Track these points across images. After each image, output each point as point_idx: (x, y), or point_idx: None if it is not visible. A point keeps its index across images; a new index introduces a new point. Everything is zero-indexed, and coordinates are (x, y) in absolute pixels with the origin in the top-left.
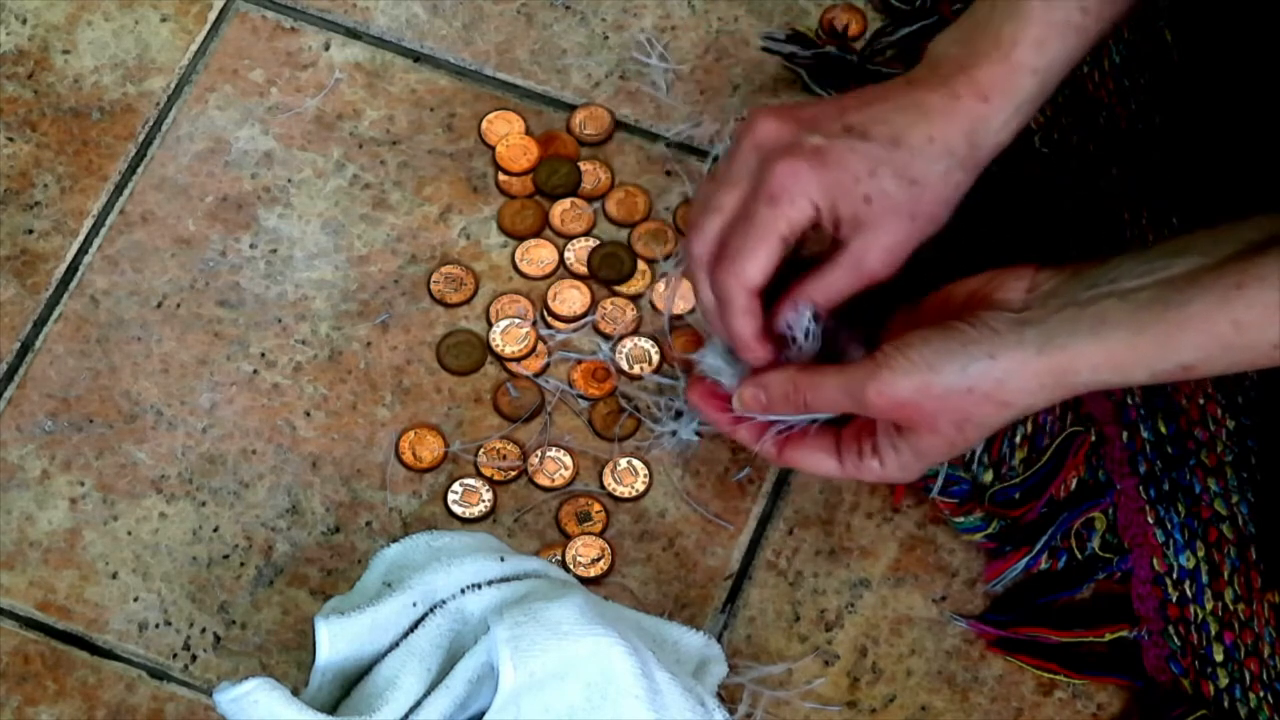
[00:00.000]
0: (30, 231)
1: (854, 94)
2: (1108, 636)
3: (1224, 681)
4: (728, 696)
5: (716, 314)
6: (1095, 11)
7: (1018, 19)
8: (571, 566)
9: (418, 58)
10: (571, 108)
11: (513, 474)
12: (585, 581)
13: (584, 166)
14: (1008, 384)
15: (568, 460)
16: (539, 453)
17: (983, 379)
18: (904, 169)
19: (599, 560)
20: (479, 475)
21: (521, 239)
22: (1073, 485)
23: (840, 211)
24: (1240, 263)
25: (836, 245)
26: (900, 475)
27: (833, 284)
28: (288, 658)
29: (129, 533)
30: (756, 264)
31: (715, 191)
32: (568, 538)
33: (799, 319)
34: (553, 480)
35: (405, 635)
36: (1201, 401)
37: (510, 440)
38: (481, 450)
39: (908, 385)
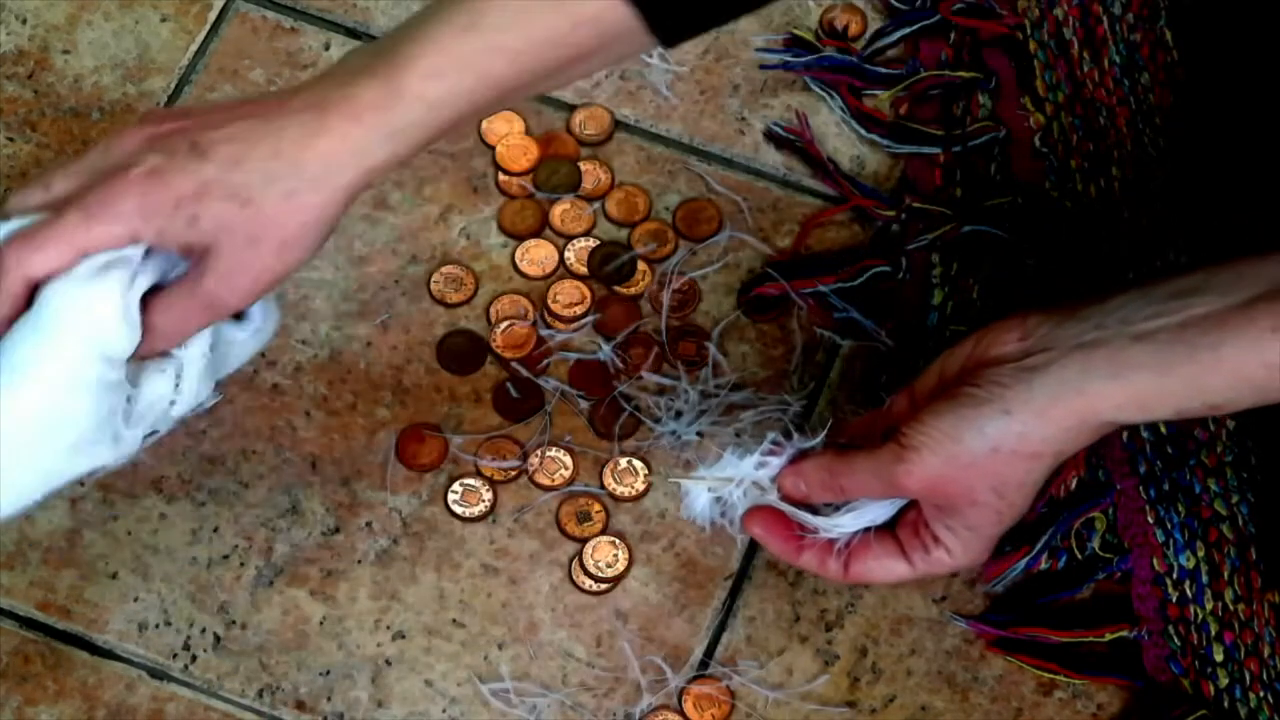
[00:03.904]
0: None
1: (230, 106)
2: (1108, 636)
3: (1224, 681)
4: (728, 696)
5: None
6: (517, 62)
7: (422, 42)
8: (592, 571)
9: None
10: (571, 108)
11: (513, 474)
12: (606, 584)
13: (584, 166)
14: (1030, 436)
15: (568, 460)
16: (539, 453)
17: (1004, 437)
18: (237, 190)
19: (616, 563)
20: (479, 475)
21: (521, 239)
22: (1073, 485)
23: (171, 235)
24: (1272, 305)
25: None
26: (969, 559)
27: (174, 313)
28: (288, 658)
29: (129, 533)
30: (43, 260)
31: (56, 171)
32: (568, 537)
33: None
34: (553, 480)
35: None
36: None
37: (510, 440)
38: (481, 450)
39: (934, 461)
